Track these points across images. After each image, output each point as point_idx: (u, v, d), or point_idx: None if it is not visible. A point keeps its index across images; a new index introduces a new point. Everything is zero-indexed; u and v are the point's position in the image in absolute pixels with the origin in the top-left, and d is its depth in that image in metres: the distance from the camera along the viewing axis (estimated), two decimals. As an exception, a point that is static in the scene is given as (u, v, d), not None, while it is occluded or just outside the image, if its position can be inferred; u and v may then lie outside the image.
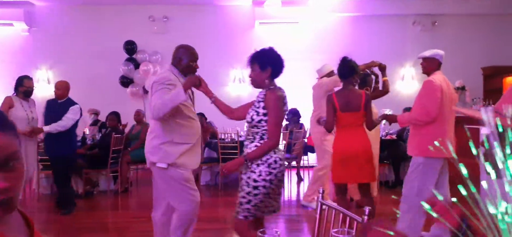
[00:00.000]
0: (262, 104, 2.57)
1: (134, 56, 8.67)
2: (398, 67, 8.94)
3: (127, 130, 7.19)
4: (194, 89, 3.06)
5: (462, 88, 8.79)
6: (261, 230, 1.24)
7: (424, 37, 8.94)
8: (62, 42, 8.71)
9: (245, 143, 2.66)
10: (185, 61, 3.05)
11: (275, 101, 2.56)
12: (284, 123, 7.60)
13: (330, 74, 5.06)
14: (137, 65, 8.58)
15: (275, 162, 2.55)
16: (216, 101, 2.88)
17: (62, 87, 5.18)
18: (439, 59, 3.66)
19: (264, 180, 2.53)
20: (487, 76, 8.94)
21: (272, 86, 2.64)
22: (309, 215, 5.00)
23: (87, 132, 6.98)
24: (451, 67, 8.79)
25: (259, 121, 2.56)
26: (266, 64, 2.60)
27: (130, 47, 8.60)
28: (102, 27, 8.72)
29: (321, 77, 5.14)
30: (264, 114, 2.55)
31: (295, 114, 7.12)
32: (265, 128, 2.55)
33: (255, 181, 2.53)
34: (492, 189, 0.85)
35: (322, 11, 8.70)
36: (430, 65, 3.67)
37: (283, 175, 2.64)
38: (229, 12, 8.84)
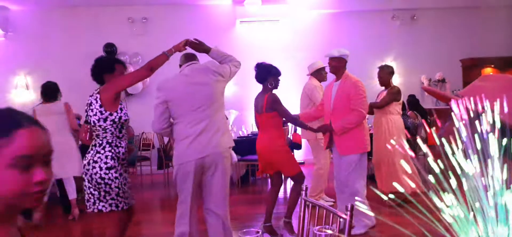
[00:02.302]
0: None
1: (114, 58, 8.56)
2: (379, 62, 8.97)
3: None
4: None
5: (443, 80, 8.97)
6: (244, 230, 1.28)
7: (404, 31, 9.08)
8: (40, 46, 8.53)
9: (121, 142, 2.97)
10: None
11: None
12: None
13: (320, 70, 5.15)
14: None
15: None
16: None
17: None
18: (346, 59, 3.83)
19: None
20: (466, 68, 9.12)
21: None
22: (296, 213, 5.04)
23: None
24: (431, 60, 9.01)
25: None
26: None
27: (110, 49, 8.49)
28: (80, 30, 8.58)
29: (311, 74, 5.21)
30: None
31: None
32: None
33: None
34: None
35: (302, 9, 8.75)
36: (339, 64, 3.82)
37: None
38: (209, 12, 8.80)
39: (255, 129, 8.05)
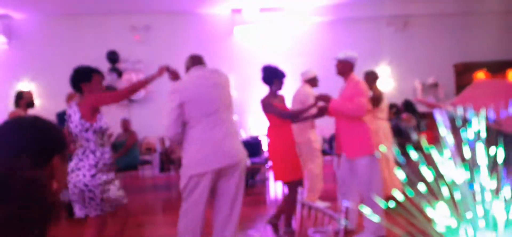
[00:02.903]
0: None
1: (116, 65, 8.73)
2: (374, 67, 9.19)
3: (113, 139, 7.25)
4: None
5: (435, 84, 9.14)
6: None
7: (398, 37, 9.24)
8: (43, 53, 8.64)
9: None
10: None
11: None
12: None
13: (313, 80, 5.27)
14: (120, 75, 8.65)
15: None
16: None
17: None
18: (352, 62, 3.86)
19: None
20: (459, 73, 9.25)
21: None
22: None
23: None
24: (424, 65, 9.20)
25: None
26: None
27: (113, 56, 8.63)
28: (83, 37, 8.69)
29: (305, 81, 5.31)
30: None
31: None
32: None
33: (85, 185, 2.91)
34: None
35: (299, 16, 8.92)
36: (344, 67, 3.86)
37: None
38: (209, 20, 8.97)
39: (254, 133, 8.25)
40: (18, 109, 5.06)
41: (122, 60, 8.70)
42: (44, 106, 8.68)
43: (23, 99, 5.06)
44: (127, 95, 3.14)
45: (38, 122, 1.09)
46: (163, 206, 6.44)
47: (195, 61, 3.14)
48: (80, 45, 8.63)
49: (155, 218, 5.69)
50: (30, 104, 5.09)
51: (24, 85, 8.72)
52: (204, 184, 2.88)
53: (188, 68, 3.15)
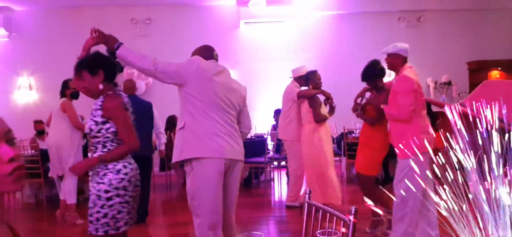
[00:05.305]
0: (99, 112, 2.43)
1: (117, 59, 8.51)
2: (384, 64, 8.94)
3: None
4: None
5: (449, 83, 8.87)
6: (246, 233, 1.22)
7: (410, 33, 8.98)
8: (43, 47, 8.53)
9: (89, 154, 2.52)
10: None
11: (116, 109, 2.44)
12: (273, 122, 7.57)
13: (303, 77, 5.10)
14: (121, 69, 8.41)
15: (125, 167, 2.45)
16: None
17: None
18: (403, 54, 3.59)
19: (116, 188, 2.41)
20: (473, 71, 9.02)
21: (110, 92, 2.54)
22: (298, 216, 4.96)
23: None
24: (437, 62, 8.91)
25: (99, 131, 2.42)
26: (96, 68, 2.54)
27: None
28: (84, 30, 8.34)
29: (295, 78, 5.20)
30: (103, 123, 2.42)
31: None
32: (107, 136, 2.43)
33: (106, 191, 2.40)
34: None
35: (307, 10, 8.69)
36: (395, 61, 3.61)
37: (138, 180, 2.54)
38: (213, 13, 8.76)
39: (259, 131, 7.97)
40: (65, 100, 5.08)
41: (123, 54, 8.49)
42: (43, 100, 8.55)
43: (69, 89, 5.08)
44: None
45: None
46: (163, 206, 6.33)
47: (211, 54, 2.95)
48: (80, 38, 8.33)
49: (155, 219, 5.55)
50: (75, 94, 5.05)
51: (24, 80, 8.60)
52: (218, 174, 2.65)
53: (204, 57, 2.92)
